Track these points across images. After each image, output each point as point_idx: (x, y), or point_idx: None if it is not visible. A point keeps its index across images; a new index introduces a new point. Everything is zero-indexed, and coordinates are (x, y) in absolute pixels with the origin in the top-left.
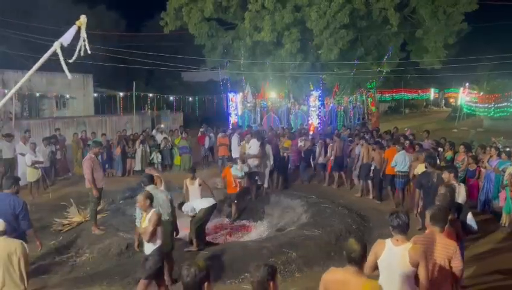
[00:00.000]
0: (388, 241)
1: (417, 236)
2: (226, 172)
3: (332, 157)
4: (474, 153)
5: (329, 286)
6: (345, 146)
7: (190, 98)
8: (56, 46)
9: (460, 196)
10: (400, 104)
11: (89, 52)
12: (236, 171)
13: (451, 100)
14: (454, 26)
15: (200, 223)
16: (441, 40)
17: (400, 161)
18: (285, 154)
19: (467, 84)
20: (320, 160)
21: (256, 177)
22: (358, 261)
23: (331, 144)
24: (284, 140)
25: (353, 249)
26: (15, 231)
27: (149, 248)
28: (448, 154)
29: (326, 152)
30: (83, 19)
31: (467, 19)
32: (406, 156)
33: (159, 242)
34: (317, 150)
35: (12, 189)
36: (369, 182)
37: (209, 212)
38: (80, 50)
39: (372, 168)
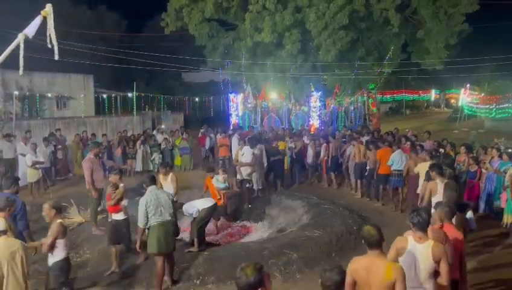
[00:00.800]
0: (410, 238)
1: (431, 231)
2: (207, 183)
3: (326, 158)
4: (475, 154)
5: (356, 274)
6: (340, 147)
7: (191, 99)
8: (20, 38)
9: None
10: (400, 105)
11: (55, 43)
12: (218, 182)
13: (452, 101)
14: (456, 27)
15: (201, 223)
16: (442, 41)
17: (396, 160)
18: (280, 156)
19: (468, 85)
20: (309, 161)
21: (248, 185)
22: (379, 244)
23: (324, 145)
24: (277, 142)
25: (372, 235)
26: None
27: (50, 261)
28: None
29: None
30: (49, 8)
31: (468, 20)
32: (402, 155)
33: (61, 255)
34: (308, 150)
35: (12, 189)
36: (359, 181)
37: (210, 212)
38: (51, 42)
39: (368, 167)
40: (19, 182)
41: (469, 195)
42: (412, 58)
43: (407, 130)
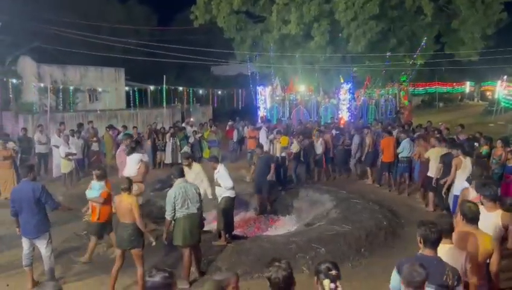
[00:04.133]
0: (482, 207)
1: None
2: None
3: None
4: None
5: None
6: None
7: (219, 92)
8: None
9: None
10: (433, 97)
11: None
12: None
13: (488, 94)
14: (493, 16)
15: (225, 214)
16: (478, 31)
17: (406, 147)
18: (283, 153)
19: (505, 77)
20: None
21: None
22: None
23: (315, 138)
24: (280, 138)
25: (472, 211)
26: (37, 214)
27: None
28: (484, 149)
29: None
30: None
31: (506, 8)
32: (410, 143)
33: None
34: (315, 144)
35: (29, 176)
36: (369, 169)
37: (231, 203)
38: None
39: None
40: (54, 173)
41: (506, 190)
42: (445, 49)
43: (440, 123)
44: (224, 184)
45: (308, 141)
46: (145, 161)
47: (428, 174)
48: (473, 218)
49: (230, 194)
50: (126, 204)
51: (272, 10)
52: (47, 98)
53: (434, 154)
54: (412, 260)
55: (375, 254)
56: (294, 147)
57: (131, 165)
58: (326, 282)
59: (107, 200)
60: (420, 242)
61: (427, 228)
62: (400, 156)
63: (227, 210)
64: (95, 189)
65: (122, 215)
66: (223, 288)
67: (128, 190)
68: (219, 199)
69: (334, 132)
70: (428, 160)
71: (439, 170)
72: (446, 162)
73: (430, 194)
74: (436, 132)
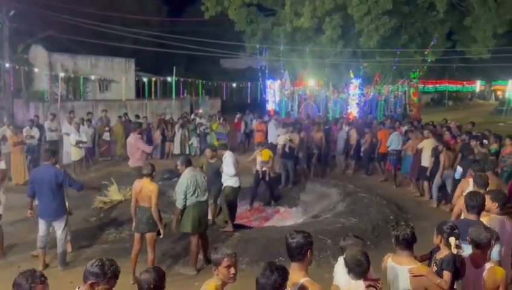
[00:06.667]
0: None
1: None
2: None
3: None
4: None
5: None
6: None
7: (228, 85)
8: None
9: None
10: (443, 95)
11: None
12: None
13: (499, 93)
14: (505, 15)
15: (227, 204)
16: (491, 29)
17: (394, 141)
18: (263, 168)
19: None
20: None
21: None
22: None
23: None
24: (261, 151)
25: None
26: (57, 198)
27: None
28: (493, 147)
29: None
30: None
31: None
32: (399, 136)
33: None
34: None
35: (51, 160)
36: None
37: (233, 193)
38: None
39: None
40: (63, 160)
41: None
42: (457, 46)
43: (450, 122)
44: (226, 170)
45: (302, 135)
46: (1, 168)
47: (422, 164)
48: (474, 206)
49: (233, 183)
50: (147, 190)
51: (284, 3)
52: (58, 86)
53: (427, 145)
54: (458, 222)
55: (380, 247)
56: (281, 139)
57: None
58: (452, 239)
59: None
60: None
61: (470, 196)
62: (389, 149)
63: (229, 200)
64: None
65: (142, 199)
66: (216, 265)
67: (151, 175)
68: (222, 187)
69: (346, 127)
70: (421, 151)
71: (432, 161)
72: (437, 155)
73: (425, 184)
74: (445, 128)
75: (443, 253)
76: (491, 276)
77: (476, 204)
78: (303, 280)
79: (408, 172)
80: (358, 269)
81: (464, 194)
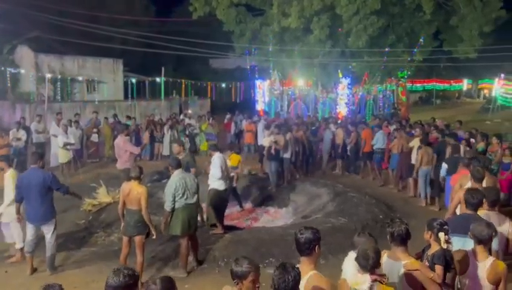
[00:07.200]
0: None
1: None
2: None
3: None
4: (509, 145)
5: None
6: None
7: (217, 85)
8: None
9: None
10: (431, 94)
11: None
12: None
13: (485, 91)
14: (491, 14)
15: (213, 207)
16: (477, 28)
17: (380, 140)
18: (232, 173)
19: (502, 75)
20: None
21: None
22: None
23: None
24: (229, 155)
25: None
26: (46, 201)
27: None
28: (480, 145)
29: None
30: None
31: (504, 6)
32: (384, 135)
33: None
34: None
35: (38, 163)
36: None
37: (218, 196)
38: None
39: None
40: (51, 162)
41: (501, 187)
42: (444, 46)
43: (437, 120)
44: (212, 172)
45: (287, 136)
46: None
47: (413, 162)
48: (473, 203)
49: (218, 186)
50: (135, 193)
51: (272, 3)
52: (44, 88)
53: (417, 144)
54: (456, 218)
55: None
56: (266, 141)
57: None
58: (441, 235)
59: None
60: (464, 204)
61: (470, 193)
62: (374, 147)
63: (214, 203)
64: None
65: (130, 202)
66: (240, 279)
67: (139, 178)
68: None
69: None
70: (410, 150)
71: (420, 159)
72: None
73: (410, 180)
74: (433, 128)
75: (434, 248)
76: (493, 269)
77: (475, 201)
78: (311, 272)
79: (396, 169)
80: (366, 263)
81: (465, 187)
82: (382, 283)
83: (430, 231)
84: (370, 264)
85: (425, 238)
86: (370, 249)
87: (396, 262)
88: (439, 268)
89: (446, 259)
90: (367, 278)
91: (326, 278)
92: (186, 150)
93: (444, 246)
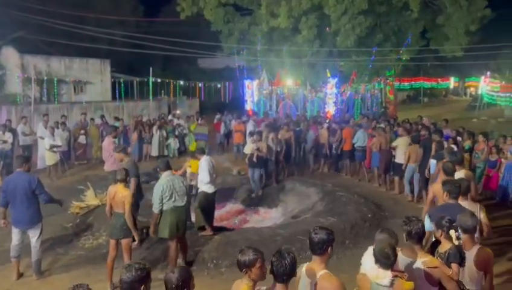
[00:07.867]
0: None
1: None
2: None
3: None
4: (495, 143)
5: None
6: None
7: (206, 85)
8: None
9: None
10: (418, 92)
11: None
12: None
13: (472, 89)
14: (477, 12)
15: (201, 210)
16: (463, 27)
17: (360, 138)
18: (192, 182)
19: (488, 72)
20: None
21: None
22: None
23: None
24: (189, 162)
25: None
26: (32, 205)
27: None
28: (467, 143)
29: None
30: None
31: (490, 5)
32: (364, 134)
33: None
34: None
35: (24, 167)
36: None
37: (207, 199)
38: None
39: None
40: (38, 164)
41: (487, 184)
42: (431, 44)
43: (424, 118)
44: (200, 176)
45: (269, 137)
46: None
47: (397, 160)
48: (455, 193)
49: (207, 189)
50: (120, 196)
51: (260, 3)
52: (31, 89)
53: (402, 143)
54: (441, 207)
55: (359, 246)
56: (248, 149)
57: None
58: (452, 232)
59: None
60: (446, 195)
61: (451, 184)
62: (356, 145)
63: (203, 206)
64: None
65: (115, 204)
66: (249, 267)
67: (124, 181)
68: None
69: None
70: (392, 148)
71: (408, 157)
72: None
73: (396, 179)
74: (420, 126)
75: (445, 246)
76: (481, 256)
77: (457, 191)
78: (322, 271)
79: (377, 166)
80: (384, 261)
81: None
82: (403, 279)
83: (440, 229)
84: (388, 263)
85: (436, 237)
86: (386, 247)
87: (412, 259)
88: (455, 266)
89: (461, 256)
90: (388, 274)
91: (337, 277)
92: (131, 157)
93: (456, 242)
